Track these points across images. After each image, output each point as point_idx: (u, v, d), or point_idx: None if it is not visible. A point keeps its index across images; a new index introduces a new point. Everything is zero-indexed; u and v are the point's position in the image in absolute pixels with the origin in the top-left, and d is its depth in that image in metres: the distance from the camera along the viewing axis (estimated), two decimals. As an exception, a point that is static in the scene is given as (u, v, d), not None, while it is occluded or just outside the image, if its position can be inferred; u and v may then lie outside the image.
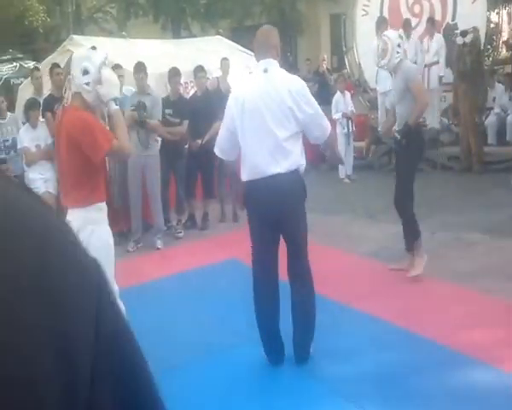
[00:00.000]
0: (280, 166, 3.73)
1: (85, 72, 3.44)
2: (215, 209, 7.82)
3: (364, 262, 5.56)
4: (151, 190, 6.86)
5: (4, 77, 14.90)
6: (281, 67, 3.95)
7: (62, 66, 8.90)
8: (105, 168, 3.68)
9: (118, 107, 3.65)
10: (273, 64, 3.86)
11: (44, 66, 9.89)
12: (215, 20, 18.38)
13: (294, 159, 3.77)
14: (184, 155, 7.46)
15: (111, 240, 3.65)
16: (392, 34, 5.32)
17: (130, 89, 7.30)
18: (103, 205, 3.64)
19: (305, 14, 17.80)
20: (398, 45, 5.14)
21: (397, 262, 5.41)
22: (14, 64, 15.64)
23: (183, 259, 6.38)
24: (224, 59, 9.31)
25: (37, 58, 17.23)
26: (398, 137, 5.12)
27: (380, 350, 3.97)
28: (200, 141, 7.41)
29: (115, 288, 3.51)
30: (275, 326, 3.88)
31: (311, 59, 14.34)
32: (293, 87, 3.78)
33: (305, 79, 11.48)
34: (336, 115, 9.87)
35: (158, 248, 6.82)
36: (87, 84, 3.44)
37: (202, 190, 7.72)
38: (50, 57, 10.28)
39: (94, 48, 3.64)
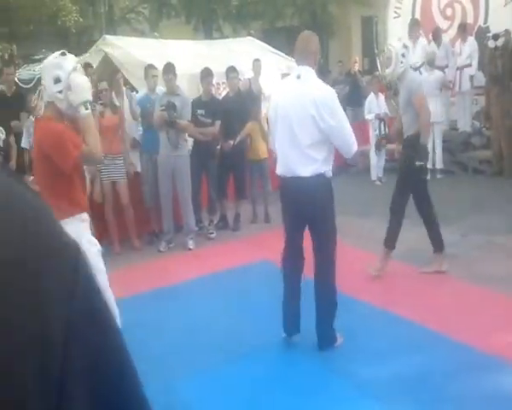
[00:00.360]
0: (305, 170, 3.92)
1: (57, 80, 3.32)
2: (247, 210, 7.84)
3: (396, 265, 5.53)
4: (181, 190, 6.89)
5: (37, 76, 15.15)
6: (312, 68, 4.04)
7: (95, 66, 9.07)
8: (82, 177, 3.54)
9: (88, 111, 3.47)
10: (308, 71, 3.96)
11: (78, 66, 10.09)
12: (247, 22, 18.45)
13: (317, 166, 3.92)
14: (216, 156, 7.49)
15: (94, 248, 3.54)
16: (396, 43, 5.38)
17: (162, 89, 7.39)
18: (84, 216, 3.52)
19: (336, 16, 17.75)
20: (403, 55, 5.17)
21: (428, 265, 5.44)
22: (47, 64, 15.90)
23: (214, 259, 6.41)
24: (256, 60, 9.36)
25: (71, 58, 17.53)
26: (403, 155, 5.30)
27: (412, 352, 3.97)
28: (232, 142, 7.46)
29: (109, 295, 3.49)
30: (294, 303, 4.21)
31: (342, 61, 14.29)
32: (319, 96, 3.87)
33: (336, 81, 11.57)
34: (369, 116, 9.83)
35: (190, 249, 6.86)
36: (59, 92, 3.32)
37: (234, 191, 7.75)
38: (83, 57, 10.42)
39: (64, 53, 3.40)
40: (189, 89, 8.49)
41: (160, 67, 7.25)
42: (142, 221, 7.25)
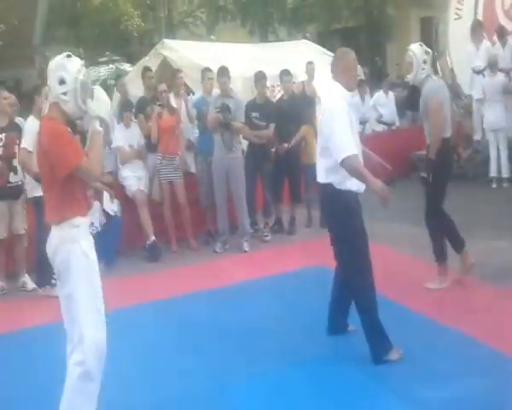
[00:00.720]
0: (319, 176, 4.05)
1: (62, 81, 3.27)
2: (302, 214, 7.80)
3: (458, 278, 5.28)
4: (236, 192, 6.95)
5: (102, 78, 15.70)
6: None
7: (154, 69, 9.29)
8: (84, 181, 3.39)
9: (101, 129, 3.44)
10: (333, 85, 4.05)
11: (137, 68, 10.35)
12: (302, 25, 18.45)
13: (326, 174, 3.96)
14: (271, 159, 7.51)
15: (91, 254, 3.38)
16: (417, 49, 5.20)
17: (218, 92, 7.49)
18: (81, 220, 3.35)
19: (394, 17, 17.51)
20: (424, 61, 5.06)
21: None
22: (111, 66, 16.47)
23: (269, 263, 6.40)
24: (310, 63, 9.36)
25: (132, 61, 18.00)
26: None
27: (474, 373, 3.74)
28: (286, 145, 7.46)
29: (101, 306, 3.36)
30: (334, 306, 4.40)
31: (400, 64, 14.08)
32: (327, 104, 4.11)
33: (394, 85, 11.39)
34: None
35: (245, 251, 6.89)
36: (64, 94, 3.27)
37: (289, 195, 7.73)
38: (142, 60, 10.73)
39: (69, 55, 3.35)
40: (243, 91, 8.60)
41: (215, 69, 7.36)
42: (199, 222, 7.36)
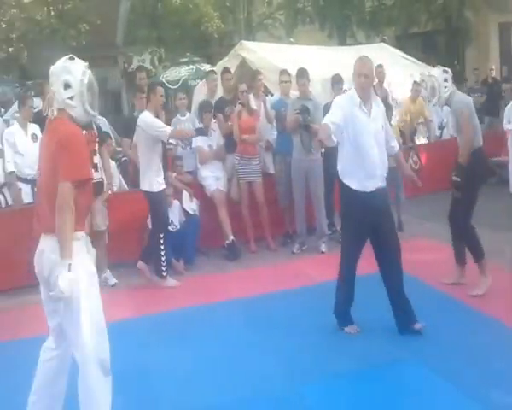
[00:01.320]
0: None
1: (67, 85, 3.15)
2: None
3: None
4: (314, 193, 7.03)
5: (183, 78, 16.05)
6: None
7: (233, 70, 9.49)
8: (90, 194, 3.22)
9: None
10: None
11: (218, 69, 10.60)
12: (380, 28, 18.26)
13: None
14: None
15: (91, 267, 3.20)
16: (436, 72, 5.42)
17: (295, 94, 7.60)
18: (81, 234, 3.16)
19: (472, 22, 17.05)
20: (445, 80, 5.30)
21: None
22: (191, 67, 16.79)
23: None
24: (379, 66, 9.26)
25: (212, 61, 18.36)
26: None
27: None
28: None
29: (101, 318, 3.20)
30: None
31: (479, 68, 13.73)
32: None
33: (472, 90, 11.11)
34: (510, 126, 9.39)
35: (322, 252, 6.95)
36: (70, 98, 3.15)
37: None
38: (222, 61, 10.96)
39: (72, 58, 3.23)
40: (323, 93, 8.65)
41: (293, 72, 7.46)
42: (277, 222, 7.47)
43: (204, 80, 9.60)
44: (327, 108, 7.29)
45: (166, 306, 5.63)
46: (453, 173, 5.28)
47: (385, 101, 8.42)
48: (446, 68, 5.49)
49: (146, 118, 6.10)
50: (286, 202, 7.39)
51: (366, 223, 4.53)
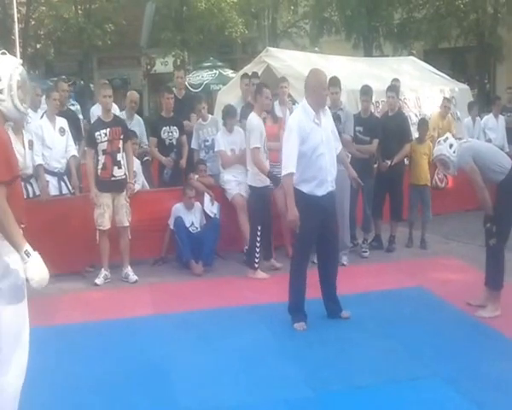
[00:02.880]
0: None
1: None
2: (402, 233, 7.66)
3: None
4: (340, 205, 6.78)
5: (205, 82, 16.07)
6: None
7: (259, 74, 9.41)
8: (20, 192, 3.16)
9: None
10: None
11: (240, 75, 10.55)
12: (408, 41, 18.11)
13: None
14: (373, 175, 7.42)
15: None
16: (440, 149, 5.28)
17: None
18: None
19: (505, 39, 16.85)
20: (450, 146, 5.20)
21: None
22: (214, 71, 16.81)
23: (366, 279, 6.35)
24: (395, 80, 9.06)
25: (235, 67, 18.36)
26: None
27: None
28: (389, 162, 7.36)
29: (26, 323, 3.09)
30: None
31: (512, 87, 13.42)
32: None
33: (504, 109, 10.84)
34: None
35: (343, 264, 6.78)
36: (0, 92, 3.06)
37: (390, 212, 7.62)
38: (247, 67, 10.89)
39: (3, 53, 3.14)
40: (347, 104, 8.54)
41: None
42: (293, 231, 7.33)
43: (228, 85, 9.54)
44: (358, 119, 7.21)
45: (183, 306, 5.63)
46: (485, 222, 5.17)
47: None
48: (447, 136, 5.39)
49: (250, 120, 6.56)
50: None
51: (316, 222, 4.98)
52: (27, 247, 2.93)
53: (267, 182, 6.58)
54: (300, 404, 3.82)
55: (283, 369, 4.27)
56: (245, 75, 8.45)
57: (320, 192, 4.96)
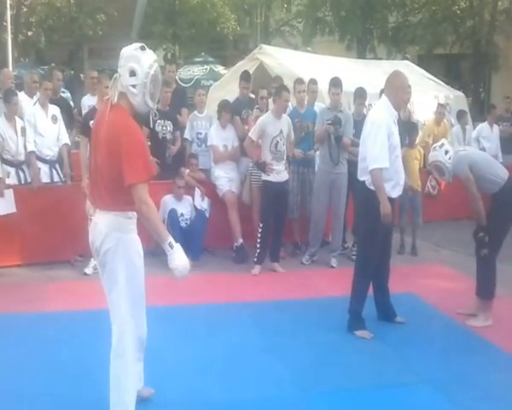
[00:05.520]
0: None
1: (132, 73, 3.16)
2: (394, 239, 7.61)
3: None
4: (336, 207, 6.83)
5: (196, 77, 15.95)
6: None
7: (251, 72, 9.29)
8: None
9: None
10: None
11: (233, 72, 10.42)
12: (402, 45, 18.06)
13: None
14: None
15: (139, 247, 3.37)
16: (435, 155, 5.21)
17: (321, 105, 7.42)
18: (133, 214, 3.30)
19: (502, 48, 16.82)
20: (446, 152, 5.13)
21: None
22: (205, 67, 16.70)
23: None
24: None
25: (226, 63, 18.23)
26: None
27: None
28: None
29: (142, 302, 3.40)
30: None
31: (510, 96, 13.39)
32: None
33: (501, 119, 10.80)
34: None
35: (332, 266, 6.78)
36: (133, 86, 3.17)
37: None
38: (239, 64, 10.78)
39: (143, 48, 3.22)
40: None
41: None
42: (287, 231, 7.14)
43: (220, 81, 9.35)
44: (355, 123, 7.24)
45: (171, 300, 5.50)
46: (477, 231, 5.11)
47: (408, 120, 8.29)
48: (443, 142, 5.31)
49: (262, 118, 6.54)
50: (295, 213, 7.11)
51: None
52: (170, 239, 3.17)
53: (284, 177, 6.50)
54: (287, 403, 3.80)
55: (271, 367, 4.24)
56: (243, 76, 8.20)
57: (394, 194, 4.83)
